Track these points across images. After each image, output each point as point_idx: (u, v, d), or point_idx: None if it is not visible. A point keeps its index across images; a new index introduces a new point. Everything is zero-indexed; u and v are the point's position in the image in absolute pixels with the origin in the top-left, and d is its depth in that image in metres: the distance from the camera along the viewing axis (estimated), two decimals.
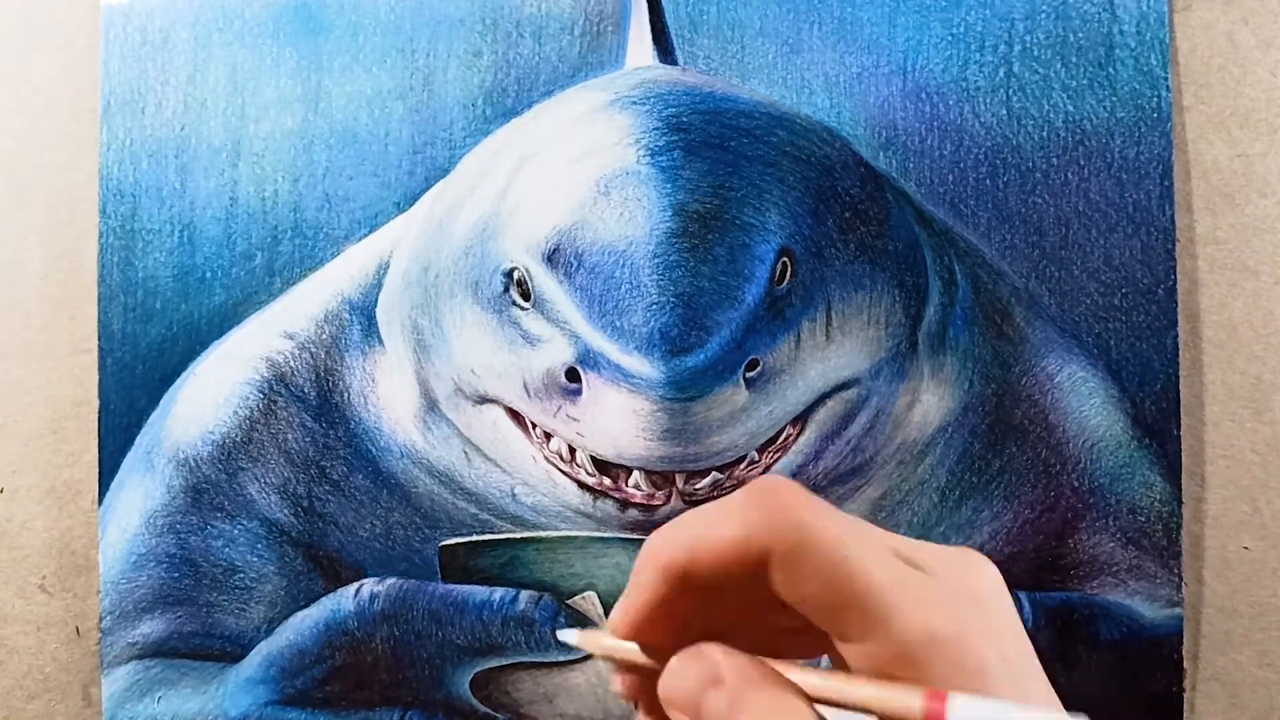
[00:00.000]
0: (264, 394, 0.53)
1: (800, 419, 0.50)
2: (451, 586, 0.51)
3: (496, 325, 0.50)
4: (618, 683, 0.31)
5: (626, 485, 0.49)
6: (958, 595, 0.29)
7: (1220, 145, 0.52)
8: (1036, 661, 0.30)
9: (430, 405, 0.52)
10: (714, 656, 0.29)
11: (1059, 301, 0.51)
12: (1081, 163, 0.51)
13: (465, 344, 0.51)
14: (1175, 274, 0.50)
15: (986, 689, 0.27)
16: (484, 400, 0.51)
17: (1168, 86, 0.51)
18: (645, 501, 0.49)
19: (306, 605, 0.52)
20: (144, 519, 0.53)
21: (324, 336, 0.53)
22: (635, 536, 0.50)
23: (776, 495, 0.29)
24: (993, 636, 0.28)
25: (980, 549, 0.53)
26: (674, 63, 0.53)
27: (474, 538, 0.52)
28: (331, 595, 0.52)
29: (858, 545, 0.29)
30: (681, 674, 0.29)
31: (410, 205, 0.53)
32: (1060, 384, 0.51)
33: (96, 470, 0.53)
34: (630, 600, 0.30)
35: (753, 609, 0.30)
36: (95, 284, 0.54)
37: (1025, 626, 0.53)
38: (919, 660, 0.28)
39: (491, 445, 0.51)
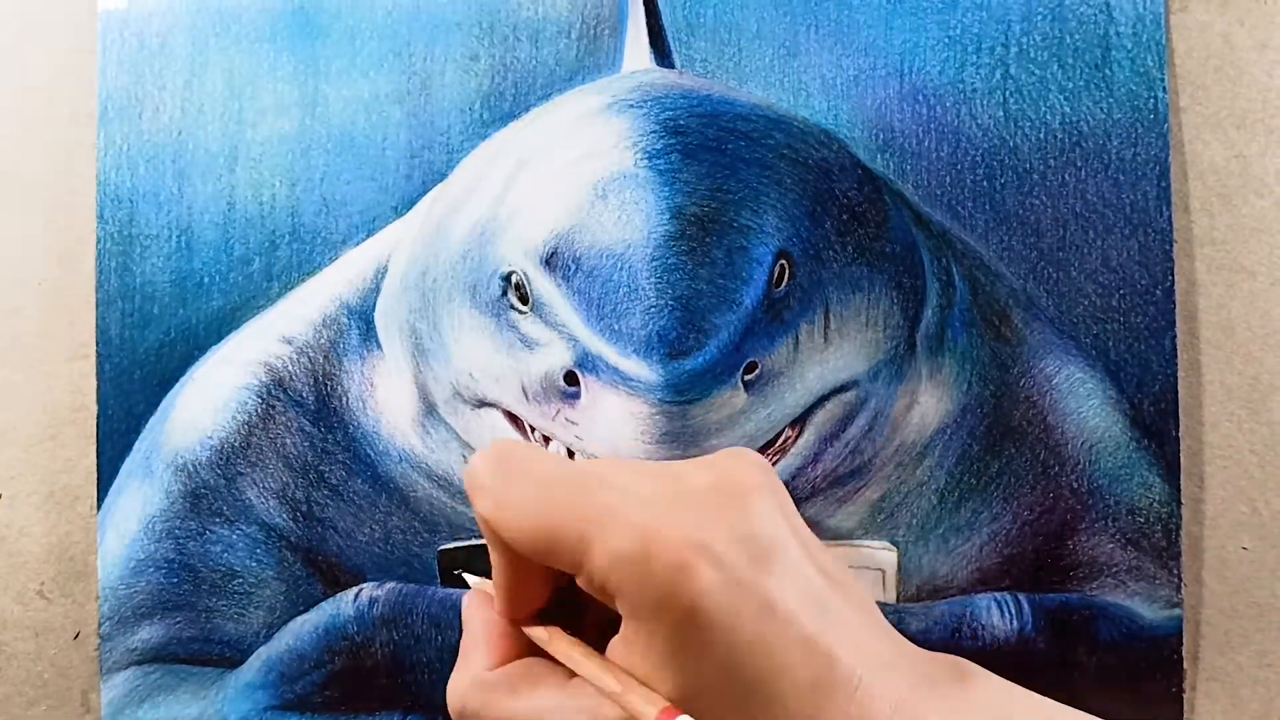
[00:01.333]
0: (262, 399, 0.53)
1: (799, 421, 0.50)
2: (451, 590, 0.51)
3: (494, 329, 0.50)
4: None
5: None
6: (671, 502, 0.28)
7: (1217, 146, 0.52)
8: (783, 526, 0.29)
9: (429, 409, 0.52)
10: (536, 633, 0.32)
11: (1057, 303, 0.51)
12: (1079, 164, 0.51)
13: (463, 348, 0.51)
14: (1173, 275, 0.50)
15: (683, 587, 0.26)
16: (482, 404, 0.51)
17: (1164, 88, 0.51)
18: None
19: (306, 610, 0.52)
20: (143, 524, 0.53)
21: (322, 341, 0.53)
22: (476, 542, 0.50)
23: (477, 461, 0.31)
24: (710, 526, 0.27)
25: (979, 550, 0.54)
26: (671, 66, 0.53)
27: (473, 541, 0.52)
28: (331, 600, 0.52)
29: (552, 481, 0.30)
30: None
31: (408, 209, 0.53)
32: (1058, 385, 0.51)
33: (95, 476, 0.53)
34: (495, 583, 0.32)
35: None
36: (93, 289, 0.54)
37: (1024, 628, 0.54)
38: (612, 584, 0.28)
39: None
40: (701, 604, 0.26)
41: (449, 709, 0.32)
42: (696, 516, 0.28)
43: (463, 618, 0.34)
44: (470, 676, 0.32)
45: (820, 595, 0.28)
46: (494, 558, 0.32)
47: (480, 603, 0.34)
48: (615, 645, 0.29)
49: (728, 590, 0.26)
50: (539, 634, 0.32)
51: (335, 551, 0.53)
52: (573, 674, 0.31)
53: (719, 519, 0.28)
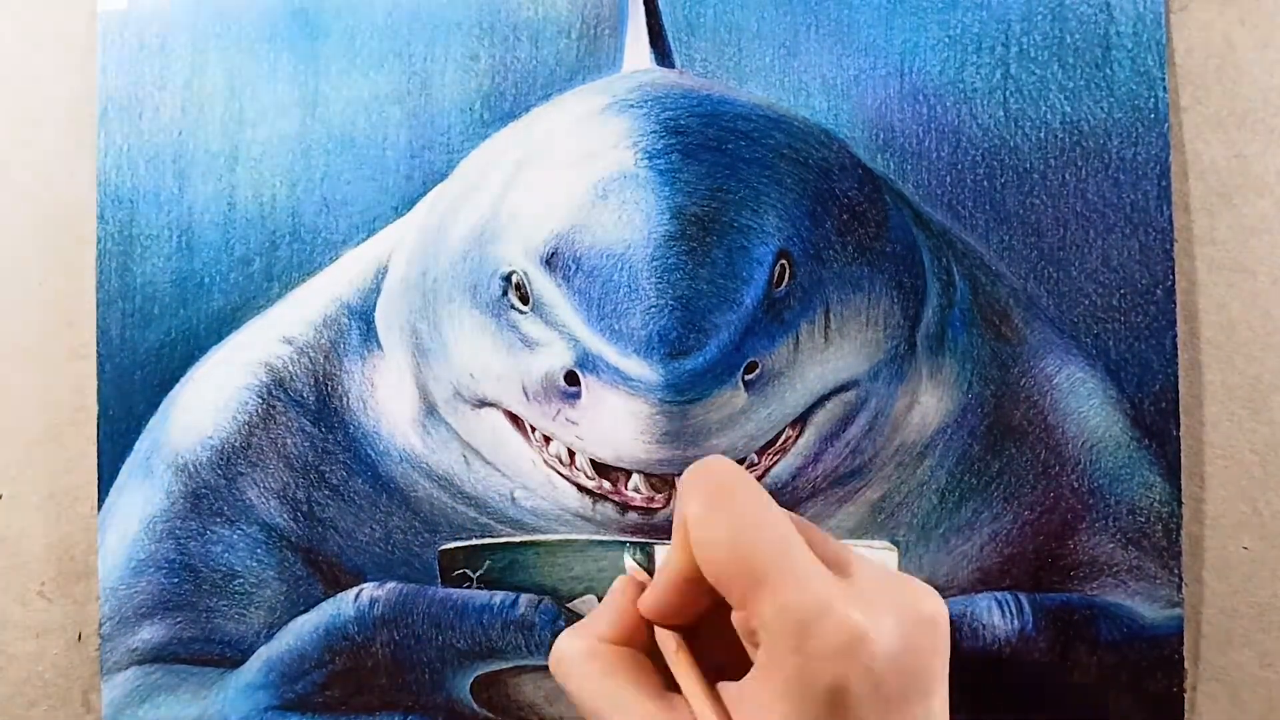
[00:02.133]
0: (263, 399, 0.53)
1: (799, 421, 0.50)
2: (451, 590, 0.51)
3: (495, 329, 0.50)
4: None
5: (626, 488, 0.49)
6: (859, 595, 0.29)
7: (1217, 145, 0.52)
8: (941, 680, 0.29)
9: (429, 409, 0.52)
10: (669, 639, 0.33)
11: (1057, 302, 0.51)
12: (1079, 164, 0.51)
13: (464, 348, 0.51)
14: (1173, 274, 0.50)
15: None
16: (483, 404, 0.51)
17: (1165, 87, 0.51)
18: (645, 504, 0.49)
19: (306, 610, 0.52)
20: (143, 525, 0.53)
21: (323, 341, 0.53)
22: (635, 539, 0.50)
23: (702, 469, 0.31)
24: (891, 634, 0.28)
25: (980, 550, 0.54)
26: (671, 66, 0.53)
27: (473, 541, 0.52)
28: (331, 600, 0.52)
29: (762, 522, 0.30)
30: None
31: (408, 209, 0.53)
32: (1059, 385, 0.51)
33: (95, 476, 0.53)
34: (662, 583, 0.33)
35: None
36: (93, 289, 0.54)
37: (1025, 628, 0.54)
38: (769, 632, 0.28)
39: (491, 449, 0.51)
40: (842, 696, 0.27)
41: (550, 656, 0.33)
42: (874, 616, 0.28)
43: (610, 590, 0.35)
44: (584, 636, 0.33)
45: None
46: (673, 557, 0.32)
47: (628, 587, 0.35)
48: (731, 687, 0.30)
49: (871, 698, 0.27)
50: (668, 640, 0.33)
51: (336, 551, 0.53)
52: (667, 690, 0.31)
53: (893, 631, 0.28)
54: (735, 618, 0.30)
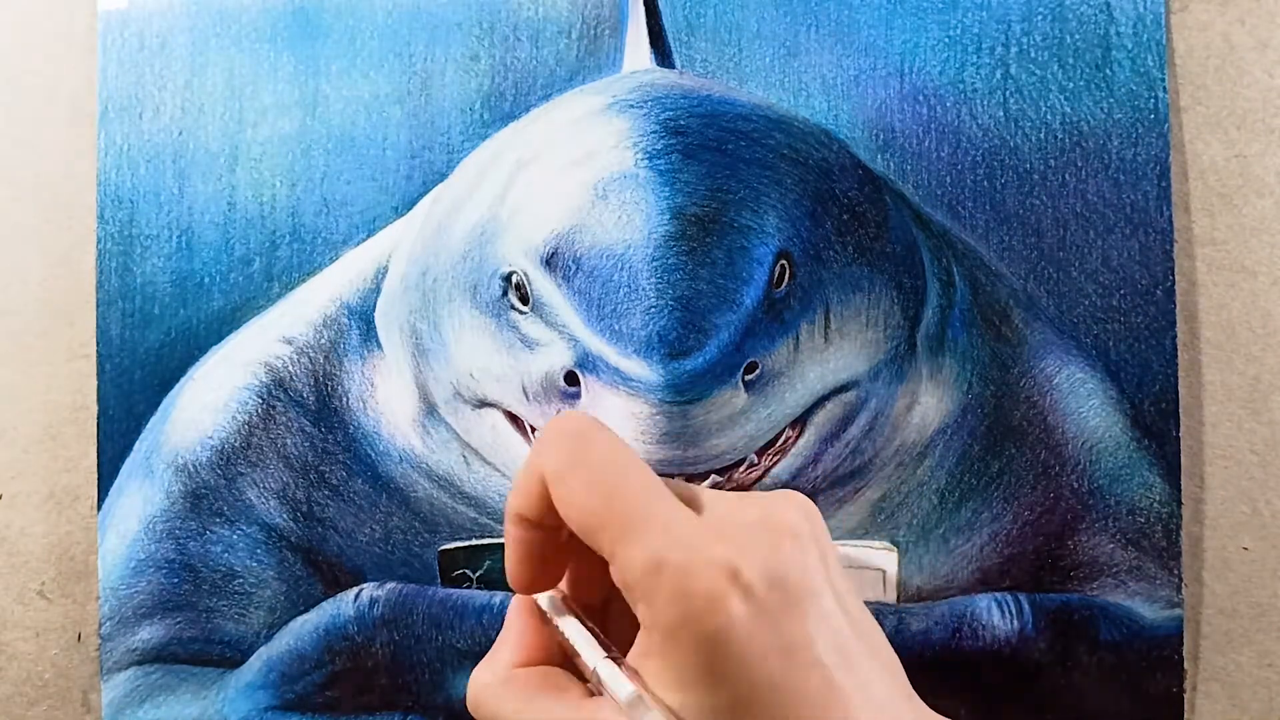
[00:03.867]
0: (263, 399, 0.53)
1: (799, 422, 0.50)
2: (451, 591, 0.51)
3: (495, 329, 0.50)
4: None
5: None
6: (717, 528, 0.29)
7: (1217, 146, 0.52)
8: (818, 572, 0.29)
9: (429, 409, 0.52)
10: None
11: (1057, 303, 0.51)
12: (1079, 164, 0.51)
13: (464, 348, 0.51)
14: (1173, 275, 0.50)
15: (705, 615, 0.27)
16: (483, 404, 0.51)
17: (1165, 88, 0.51)
18: None
19: (306, 610, 0.52)
20: (143, 524, 0.53)
21: (322, 341, 0.53)
22: None
23: (558, 421, 0.31)
24: (747, 553, 0.28)
25: (980, 550, 0.54)
26: (671, 66, 0.53)
27: (473, 542, 0.52)
28: (331, 600, 0.52)
29: (623, 470, 0.30)
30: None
31: (408, 209, 0.53)
32: (1059, 385, 0.51)
33: (95, 476, 0.53)
34: (507, 554, 0.33)
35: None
36: (93, 289, 0.54)
37: (1025, 628, 0.54)
38: (641, 589, 0.28)
39: (491, 449, 0.51)
40: (728, 633, 0.26)
41: (467, 698, 0.33)
42: (737, 547, 0.28)
43: (506, 616, 0.35)
44: (492, 670, 0.32)
45: (846, 647, 0.28)
46: (520, 528, 0.32)
47: (523, 605, 0.34)
48: (631, 653, 0.29)
49: (756, 624, 0.26)
50: (548, 601, 0.33)
51: (336, 552, 0.53)
52: (591, 694, 0.31)
53: (758, 555, 0.28)
54: (613, 573, 0.29)
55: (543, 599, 0.34)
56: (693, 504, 0.30)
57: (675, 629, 0.27)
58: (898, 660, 0.30)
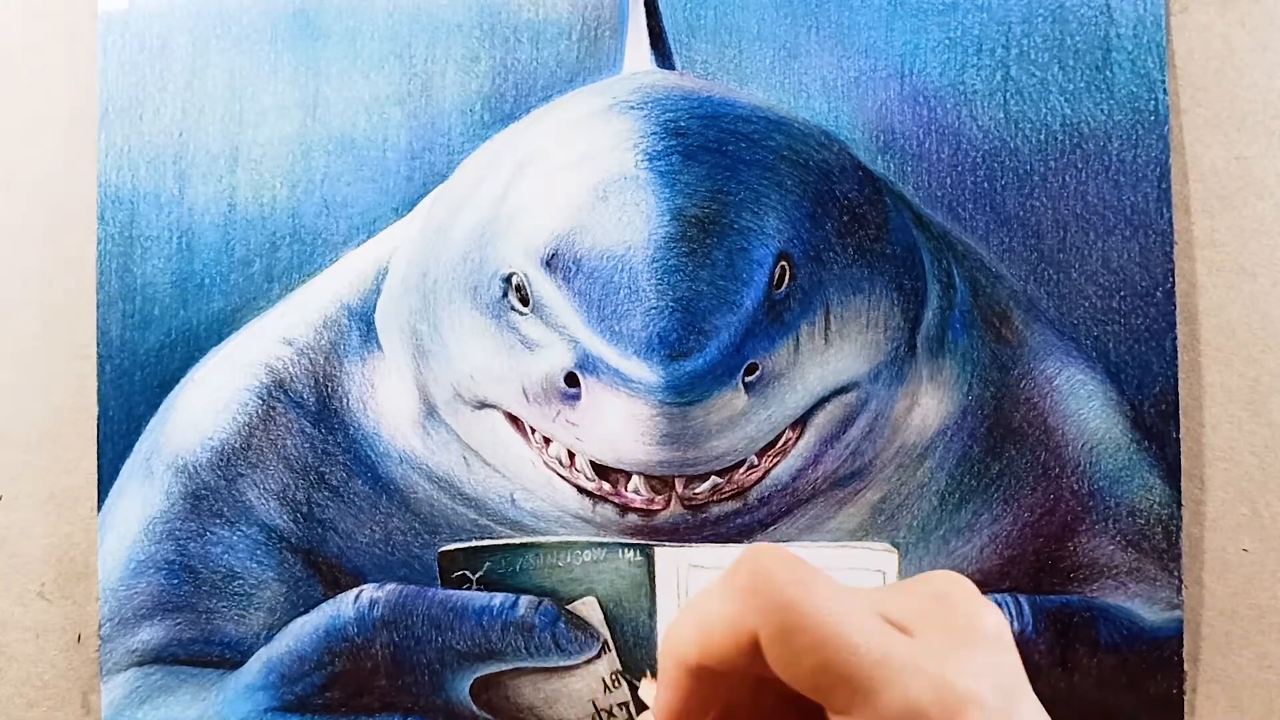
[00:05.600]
0: (263, 400, 0.53)
1: (799, 423, 0.50)
2: (451, 592, 0.51)
3: (495, 330, 0.50)
4: None
5: (626, 490, 0.49)
6: (940, 650, 0.30)
7: (1217, 148, 0.52)
8: (1024, 678, 0.31)
9: (429, 411, 0.52)
10: None
11: (1057, 304, 0.51)
12: (1079, 166, 0.51)
13: (464, 349, 0.51)
14: (1173, 276, 0.50)
15: None
16: (483, 405, 0.51)
17: (1165, 89, 0.51)
18: (644, 506, 0.49)
19: (306, 611, 0.52)
20: (143, 526, 0.53)
21: (323, 342, 0.53)
22: (635, 541, 0.50)
23: (763, 573, 0.30)
24: (980, 677, 0.29)
25: (980, 552, 0.54)
26: (671, 67, 0.53)
27: (473, 543, 0.52)
28: (331, 601, 0.52)
29: (842, 621, 0.30)
30: None
31: (408, 211, 0.53)
32: (1059, 387, 0.51)
33: (95, 477, 0.53)
34: (663, 699, 0.32)
35: (766, 682, 0.31)
36: (94, 290, 0.54)
37: (1025, 630, 0.54)
38: None
39: (491, 450, 0.51)
40: None
41: None
42: (969, 664, 0.29)
43: None
44: None
45: None
46: (694, 678, 0.32)
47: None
48: None
49: None
50: None
51: (336, 553, 0.53)
52: None
53: (983, 669, 0.29)
54: None
55: None
56: (901, 627, 0.31)
57: None
58: None
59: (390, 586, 0.52)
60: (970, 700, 0.28)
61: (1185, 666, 0.50)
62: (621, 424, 0.47)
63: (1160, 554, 0.50)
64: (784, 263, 0.48)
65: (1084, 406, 0.51)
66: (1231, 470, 0.52)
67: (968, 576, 0.48)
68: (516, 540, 0.51)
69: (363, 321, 0.53)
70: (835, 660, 0.29)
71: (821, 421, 0.50)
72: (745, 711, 0.33)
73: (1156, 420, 0.50)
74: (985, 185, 0.51)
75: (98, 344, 0.54)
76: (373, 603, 0.51)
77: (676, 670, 0.32)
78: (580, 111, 0.51)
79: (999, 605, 0.50)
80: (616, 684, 0.50)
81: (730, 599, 0.31)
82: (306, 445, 0.53)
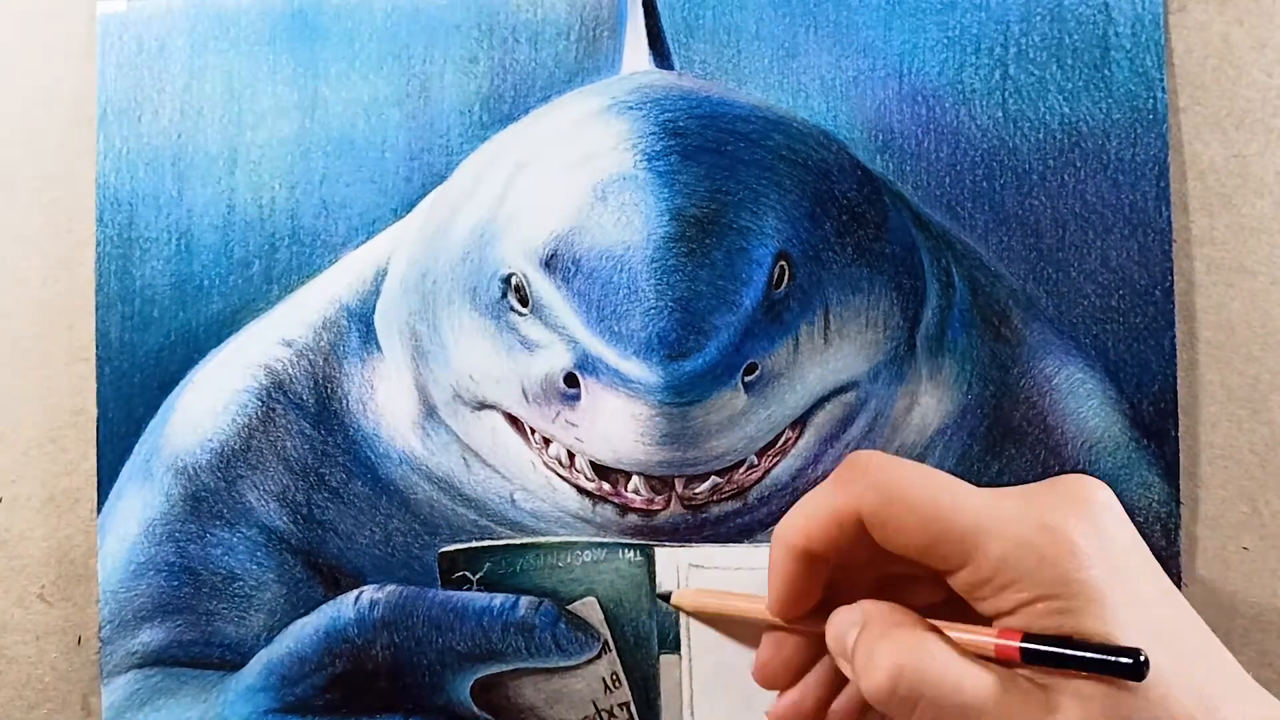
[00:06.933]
0: (262, 401, 0.53)
1: (799, 422, 0.50)
2: (451, 593, 0.51)
3: (494, 331, 0.50)
4: (758, 668, 0.36)
5: (626, 490, 0.49)
6: (1047, 505, 0.31)
7: (1216, 146, 0.52)
8: (1141, 553, 0.32)
9: (429, 412, 0.52)
10: (863, 606, 0.33)
11: (1056, 303, 0.51)
12: (1078, 164, 0.51)
13: (463, 350, 0.51)
14: (1172, 275, 0.51)
15: (1084, 588, 0.29)
16: (482, 406, 0.51)
17: (1163, 88, 0.51)
18: (645, 506, 0.49)
19: (306, 613, 0.52)
20: (143, 527, 0.53)
21: (322, 344, 0.53)
22: (635, 541, 0.50)
23: (859, 464, 0.34)
24: (1089, 537, 0.30)
25: None
26: (670, 67, 0.53)
27: (473, 544, 0.52)
28: (331, 603, 0.52)
29: (940, 486, 0.32)
30: (838, 622, 0.34)
31: (407, 212, 0.53)
32: (1058, 386, 0.51)
33: (95, 479, 0.53)
34: (775, 585, 0.35)
35: (872, 563, 0.34)
36: (93, 292, 0.54)
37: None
38: (1012, 574, 0.30)
39: (490, 451, 0.51)
40: (1091, 579, 0.29)
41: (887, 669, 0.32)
42: (1080, 524, 0.31)
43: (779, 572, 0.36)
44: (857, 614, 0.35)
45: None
46: (801, 563, 0.34)
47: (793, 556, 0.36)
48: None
49: (1112, 575, 0.30)
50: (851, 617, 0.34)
51: (336, 554, 0.53)
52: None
53: (1091, 529, 0.31)
54: (960, 579, 0.31)
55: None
56: (997, 494, 0.33)
57: (1051, 588, 0.29)
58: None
59: (390, 587, 0.52)
60: (1079, 541, 0.30)
61: None
62: (621, 424, 0.47)
63: (1159, 552, 0.50)
64: (783, 262, 0.48)
65: (1083, 405, 0.51)
66: (1231, 469, 0.52)
67: None
68: (517, 541, 0.51)
69: (362, 323, 0.53)
70: (939, 517, 0.31)
71: (821, 421, 0.50)
72: (847, 597, 0.35)
73: (1155, 418, 0.50)
74: (984, 184, 0.51)
75: (97, 346, 0.54)
76: (373, 604, 0.51)
77: (785, 558, 0.34)
78: (579, 112, 0.51)
79: None
80: (617, 684, 0.50)
81: (832, 487, 0.33)
82: (306, 446, 0.53)
